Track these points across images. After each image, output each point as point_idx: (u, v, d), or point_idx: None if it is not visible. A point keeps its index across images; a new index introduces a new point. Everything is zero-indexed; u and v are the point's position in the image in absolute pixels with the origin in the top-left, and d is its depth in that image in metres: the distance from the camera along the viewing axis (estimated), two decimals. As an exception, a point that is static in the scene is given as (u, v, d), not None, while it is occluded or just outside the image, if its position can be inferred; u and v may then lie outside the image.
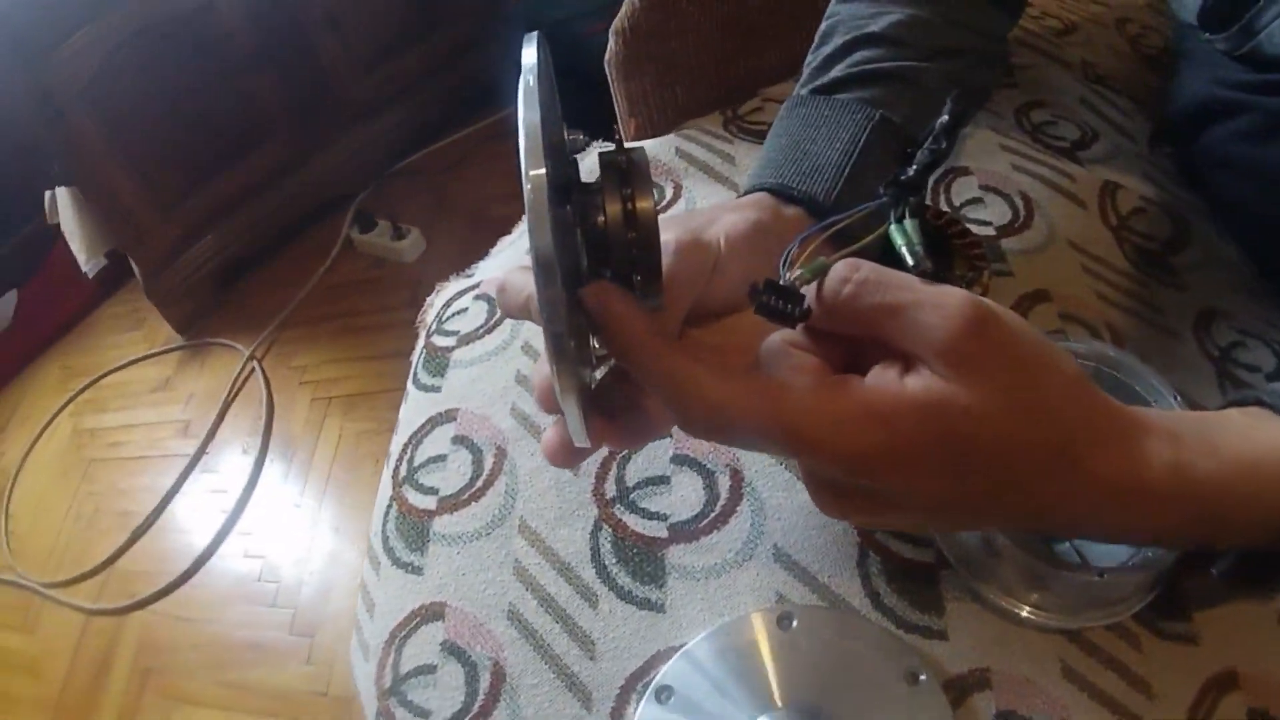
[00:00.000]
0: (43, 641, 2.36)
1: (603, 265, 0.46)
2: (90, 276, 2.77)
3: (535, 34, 0.43)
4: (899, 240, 0.49)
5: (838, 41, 0.72)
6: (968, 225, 0.81)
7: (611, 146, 0.46)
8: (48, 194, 2.58)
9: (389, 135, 3.03)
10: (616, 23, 1.12)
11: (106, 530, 2.52)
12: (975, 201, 0.93)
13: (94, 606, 2.34)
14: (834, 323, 0.45)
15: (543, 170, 0.37)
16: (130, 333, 3.15)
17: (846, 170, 0.63)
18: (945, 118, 0.60)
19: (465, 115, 3.17)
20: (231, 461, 2.54)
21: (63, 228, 2.62)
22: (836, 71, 0.70)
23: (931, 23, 0.71)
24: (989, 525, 0.55)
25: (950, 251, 0.79)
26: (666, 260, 0.51)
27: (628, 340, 0.44)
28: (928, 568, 0.66)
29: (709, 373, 0.44)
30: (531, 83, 0.40)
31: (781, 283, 0.45)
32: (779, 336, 0.47)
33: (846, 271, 0.44)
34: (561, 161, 0.44)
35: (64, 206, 2.56)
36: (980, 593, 0.63)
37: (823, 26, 0.76)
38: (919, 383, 0.41)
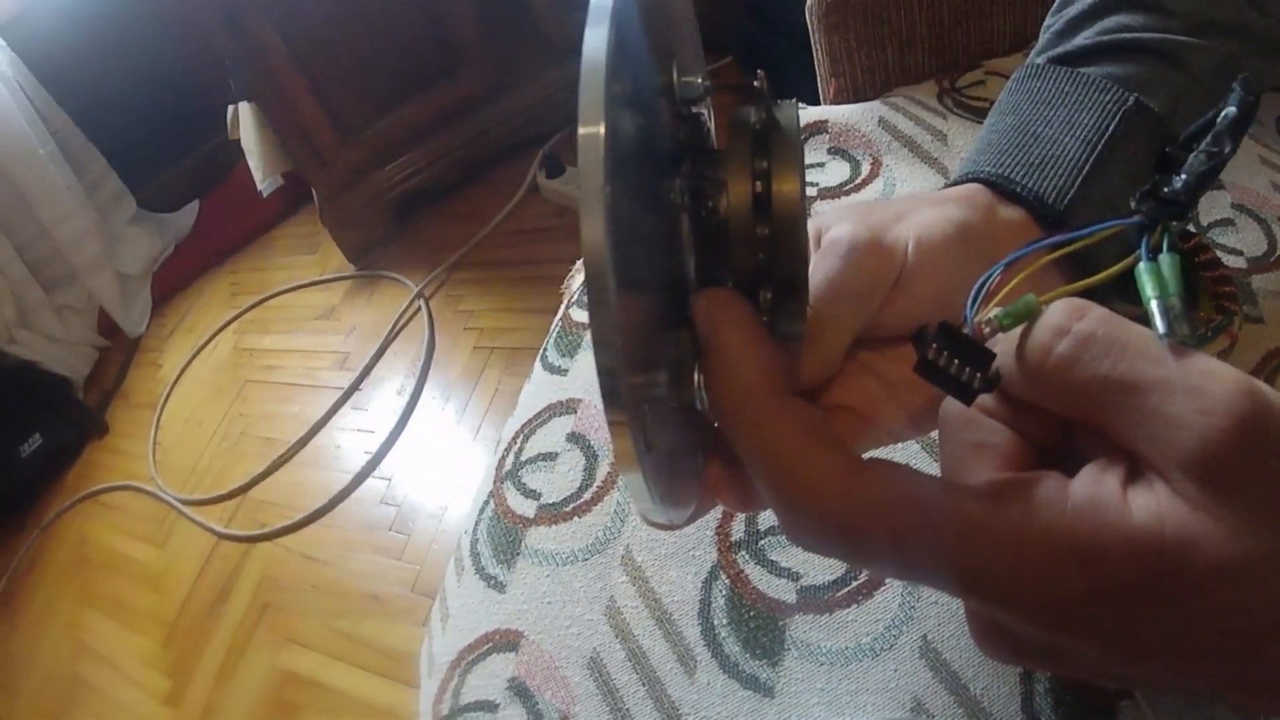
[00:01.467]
0: (170, 557, 2.44)
1: (718, 270, 0.34)
2: (264, 195, 2.83)
3: None
4: (1148, 288, 0.35)
5: (1087, 1, 0.59)
6: (1218, 254, 0.67)
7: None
8: (230, 108, 2.63)
9: None
10: (821, -35, 1.00)
11: (248, 455, 2.58)
12: (1225, 223, 0.77)
13: (224, 530, 2.40)
14: (1038, 393, 0.32)
15: (599, 128, 0.25)
16: (303, 255, 3.23)
17: (1087, 166, 0.49)
18: (1232, 110, 0.45)
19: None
20: (383, 401, 2.54)
21: (242, 144, 2.66)
22: (1083, 38, 0.57)
23: None
24: (1215, 702, 0.40)
25: (1195, 285, 0.64)
26: (833, 264, 0.41)
27: (729, 385, 0.33)
28: (1105, 696, 0.53)
29: (834, 459, 0.32)
30: None
31: (965, 328, 0.33)
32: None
33: (1065, 319, 0.31)
34: (656, 112, 0.32)
35: (245, 122, 2.61)
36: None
37: None
38: (1150, 506, 0.28)
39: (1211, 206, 0.78)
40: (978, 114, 0.94)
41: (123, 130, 3.24)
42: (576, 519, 0.70)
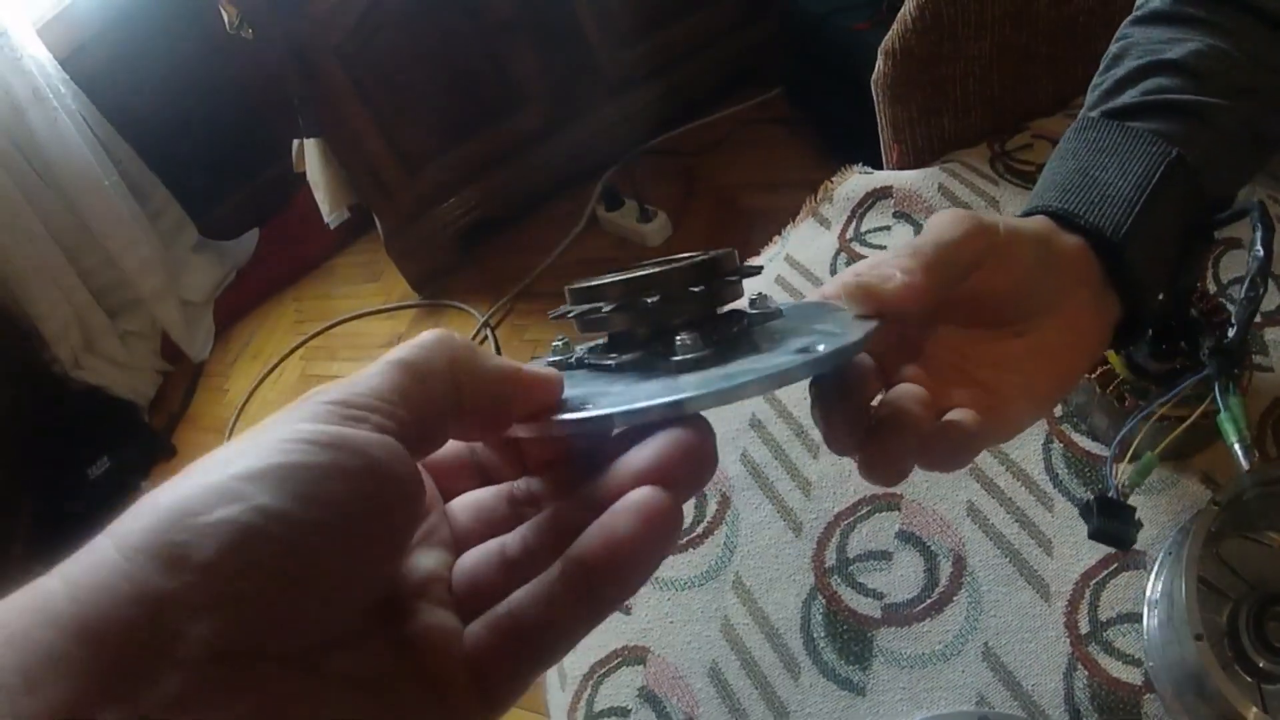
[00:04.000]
0: (247, 583, 2.57)
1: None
2: (332, 228, 2.97)
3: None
4: (1230, 434, 0.49)
5: (1131, 65, 0.69)
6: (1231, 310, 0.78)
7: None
8: (295, 142, 2.77)
9: (645, 111, 3.09)
10: (886, 42, 1.13)
11: (322, 480, 2.70)
12: (1243, 279, 0.89)
13: (304, 554, 2.53)
14: None
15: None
16: (367, 283, 3.36)
17: (1138, 206, 0.59)
18: (1259, 251, 0.59)
19: (724, 96, 3.16)
20: (456, 430, 2.66)
21: (308, 178, 2.80)
22: (1128, 97, 0.67)
23: (1232, 56, 0.68)
24: None
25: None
26: (942, 219, 0.52)
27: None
28: (1133, 690, 0.69)
29: None
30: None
31: (1110, 493, 0.46)
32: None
33: None
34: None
35: (311, 157, 2.74)
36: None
37: (1113, 48, 0.73)
38: None
39: (1233, 264, 0.91)
40: (1026, 179, 1.10)
41: (183, 159, 3.38)
42: (692, 550, 0.87)
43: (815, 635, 0.78)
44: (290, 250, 3.58)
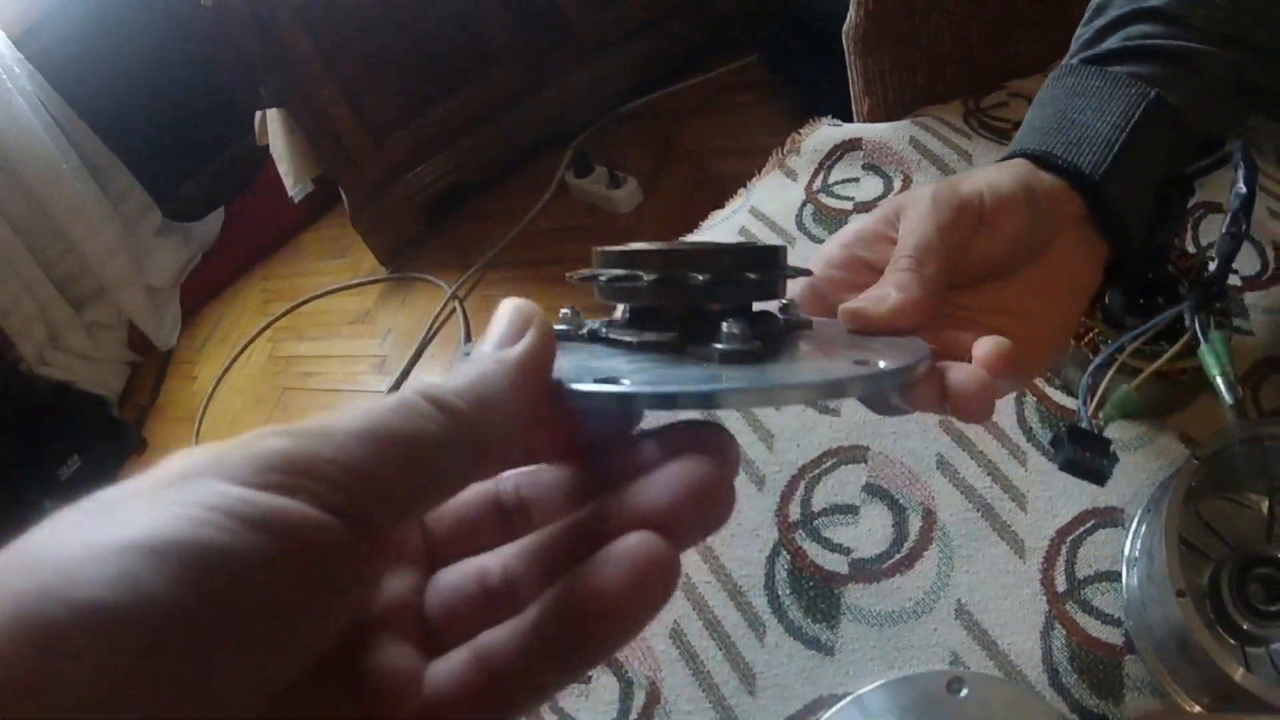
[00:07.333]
0: (225, 573, 2.56)
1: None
2: (295, 201, 2.94)
3: None
4: (1212, 368, 0.49)
5: (1113, 14, 0.70)
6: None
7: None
8: (258, 114, 2.73)
9: (618, 75, 3.08)
10: (859, -9, 1.11)
11: (295, 464, 2.69)
12: (1223, 245, 0.90)
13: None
14: None
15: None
16: (334, 260, 3.34)
17: (1117, 145, 0.60)
18: (1242, 189, 0.59)
19: (699, 61, 3.14)
20: (426, 405, 2.65)
21: (271, 150, 2.76)
22: (1110, 43, 0.68)
23: (1217, 4, 0.68)
24: None
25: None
26: (923, 209, 0.53)
27: None
28: (1113, 650, 0.68)
29: None
30: None
31: (1082, 424, 0.45)
32: None
33: None
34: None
35: (274, 128, 2.70)
36: (1161, 687, 0.64)
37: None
38: None
39: (1212, 228, 0.91)
40: (1001, 135, 1.08)
41: (145, 139, 3.34)
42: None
43: (780, 593, 0.77)
44: (256, 229, 3.56)
